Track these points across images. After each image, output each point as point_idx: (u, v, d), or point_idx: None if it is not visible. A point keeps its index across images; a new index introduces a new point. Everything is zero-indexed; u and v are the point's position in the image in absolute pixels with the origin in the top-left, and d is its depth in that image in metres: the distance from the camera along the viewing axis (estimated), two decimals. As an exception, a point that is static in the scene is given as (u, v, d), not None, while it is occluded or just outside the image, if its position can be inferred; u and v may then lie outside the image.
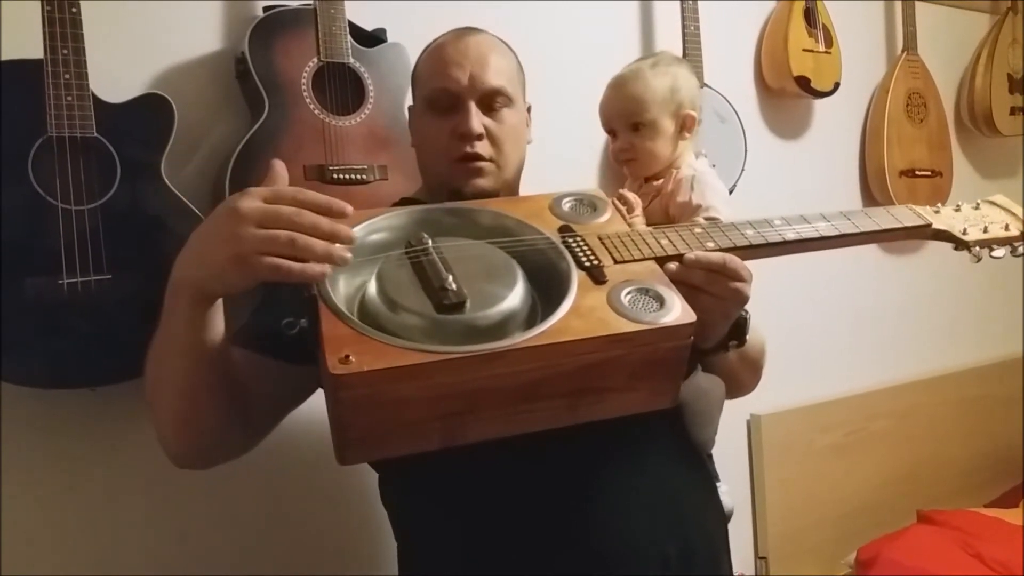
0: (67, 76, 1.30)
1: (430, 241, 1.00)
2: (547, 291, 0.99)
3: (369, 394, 0.85)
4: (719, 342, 1.16)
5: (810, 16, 2.37)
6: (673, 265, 1.03)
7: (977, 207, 1.23)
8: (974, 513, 2.45)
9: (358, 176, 1.54)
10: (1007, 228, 1.19)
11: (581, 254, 1.03)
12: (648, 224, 1.21)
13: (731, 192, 2.12)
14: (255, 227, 0.84)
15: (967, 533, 2.25)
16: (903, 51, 2.67)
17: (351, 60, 1.57)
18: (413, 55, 1.36)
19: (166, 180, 1.42)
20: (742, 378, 1.34)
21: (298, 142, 1.51)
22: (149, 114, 1.42)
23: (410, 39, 1.59)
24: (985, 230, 1.19)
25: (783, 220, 1.13)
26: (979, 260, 1.18)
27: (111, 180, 1.37)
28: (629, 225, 1.11)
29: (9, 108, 1.29)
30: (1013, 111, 2.90)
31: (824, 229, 1.14)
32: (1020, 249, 1.19)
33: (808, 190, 2.46)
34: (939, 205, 1.22)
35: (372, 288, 0.95)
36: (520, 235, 1.06)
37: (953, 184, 2.75)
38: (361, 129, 1.57)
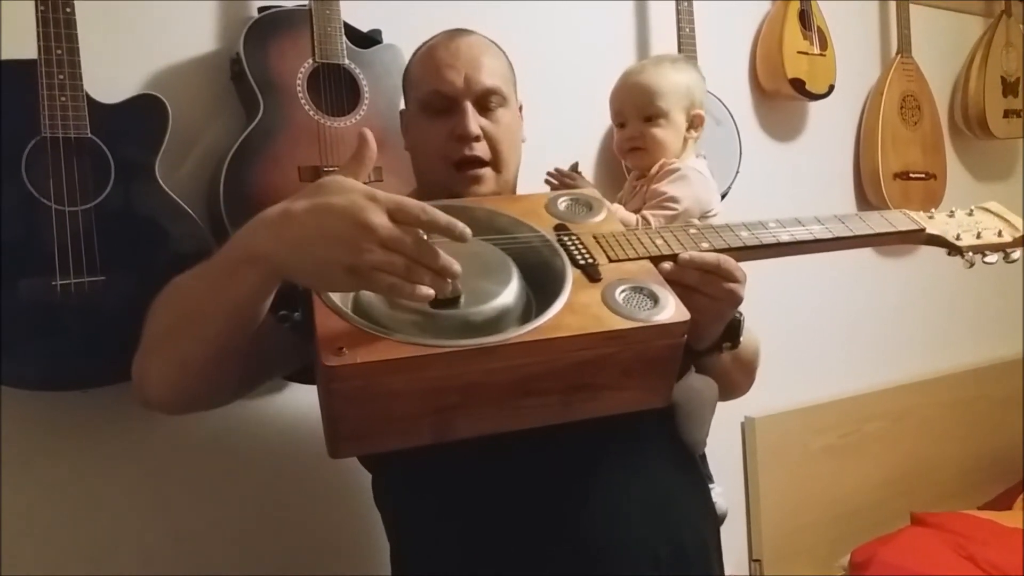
0: (61, 76, 1.30)
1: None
2: (542, 289, 1.00)
3: (362, 386, 0.86)
4: (713, 343, 1.17)
5: (805, 18, 2.38)
6: (668, 265, 1.04)
7: (971, 213, 1.24)
8: (968, 515, 2.46)
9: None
10: (1000, 234, 1.20)
11: (576, 252, 1.03)
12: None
13: (726, 194, 2.12)
14: (378, 246, 0.82)
15: (961, 535, 2.26)
16: (897, 53, 2.67)
17: (346, 61, 1.57)
18: (409, 57, 1.36)
19: (160, 181, 1.42)
20: (736, 379, 1.34)
21: (293, 143, 1.51)
22: (143, 115, 1.42)
23: (405, 41, 1.59)
24: (978, 236, 1.19)
25: (777, 222, 1.14)
26: (972, 266, 1.19)
27: (105, 181, 1.36)
28: (624, 225, 1.12)
29: (3, 108, 1.29)
30: (1007, 114, 2.91)
31: (818, 232, 1.14)
32: (1013, 255, 1.19)
33: (803, 192, 2.47)
34: (933, 210, 1.23)
35: None
36: (515, 233, 1.07)
37: (947, 187, 2.76)
38: (356, 130, 1.55)
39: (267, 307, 0.95)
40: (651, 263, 1.04)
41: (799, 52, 2.36)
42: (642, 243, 1.06)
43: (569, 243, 1.05)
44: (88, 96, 1.34)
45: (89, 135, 1.34)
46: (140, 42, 1.52)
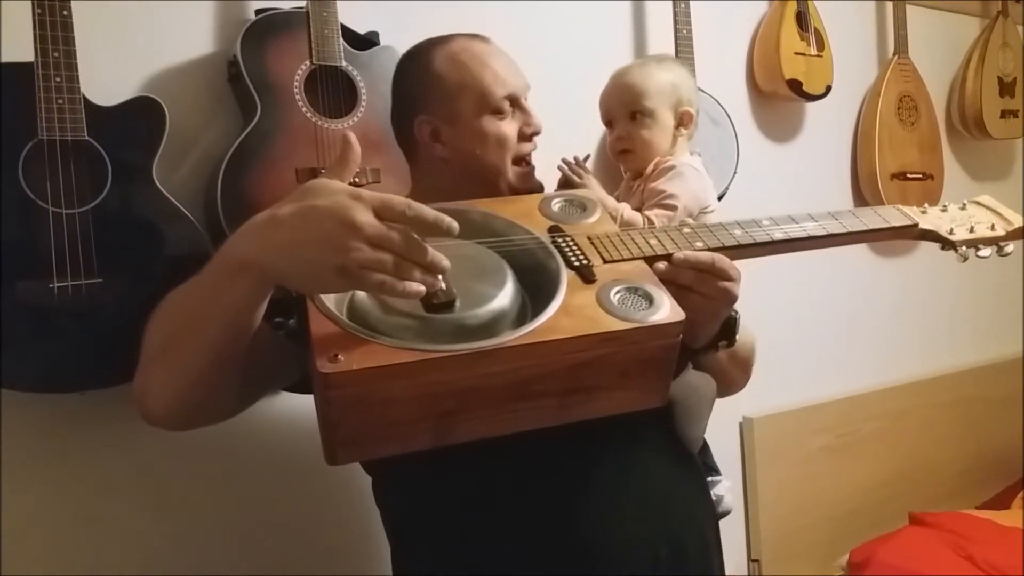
0: (58, 79, 1.30)
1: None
2: (537, 291, 1.00)
3: (358, 393, 0.86)
4: (709, 342, 1.17)
5: (802, 19, 2.38)
6: (662, 264, 1.04)
7: (964, 208, 1.24)
8: (966, 515, 2.46)
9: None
10: (993, 228, 1.20)
11: (570, 254, 1.03)
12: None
13: (724, 195, 2.12)
14: (366, 244, 0.82)
15: (959, 535, 2.26)
16: (894, 54, 2.68)
17: (344, 63, 1.57)
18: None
19: (157, 183, 1.42)
20: (732, 376, 1.34)
21: (290, 145, 1.51)
22: (140, 117, 1.42)
23: (403, 42, 1.58)
24: (971, 230, 1.20)
25: (771, 220, 1.14)
26: (965, 260, 1.20)
27: (102, 183, 1.36)
28: (617, 224, 1.12)
29: (0, 111, 1.29)
30: (1004, 114, 2.91)
31: (812, 229, 1.15)
32: (1007, 248, 1.20)
33: (800, 193, 2.47)
34: (926, 206, 1.24)
35: None
36: (509, 235, 1.07)
37: (944, 187, 2.76)
38: (354, 132, 1.56)
39: (262, 314, 0.95)
40: (645, 263, 1.04)
41: (796, 53, 2.36)
42: (636, 243, 1.07)
43: (563, 244, 1.05)
44: (85, 99, 1.34)
45: (86, 138, 1.34)
46: (137, 45, 1.52)
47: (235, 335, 0.95)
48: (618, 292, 0.98)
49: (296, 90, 1.53)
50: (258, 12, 1.57)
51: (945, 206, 1.24)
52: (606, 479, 1.13)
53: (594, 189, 1.39)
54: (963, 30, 2.98)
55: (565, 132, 1.86)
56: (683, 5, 2.09)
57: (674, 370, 1.02)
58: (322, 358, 0.84)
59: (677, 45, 2.08)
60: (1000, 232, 1.20)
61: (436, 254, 0.86)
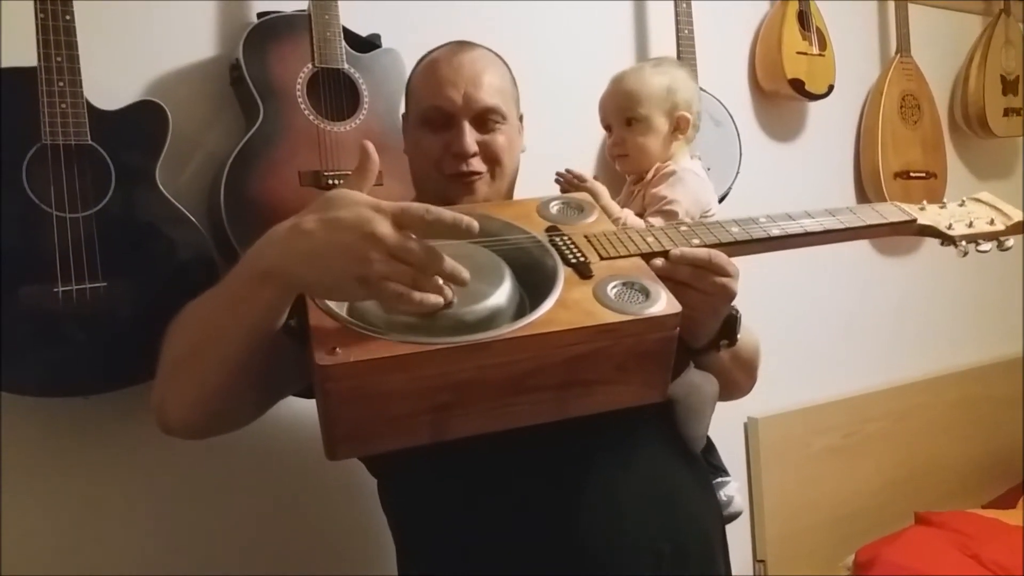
0: (61, 83, 1.31)
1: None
2: (535, 289, 1.00)
3: (356, 386, 0.86)
4: (710, 341, 1.17)
5: (804, 19, 2.38)
6: (659, 261, 1.05)
7: (963, 204, 1.25)
8: (972, 514, 2.46)
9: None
10: (992, 223, 1.20)
11: (568, 251, 1.04)
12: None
13: (727, 195, 2.12)
14: (386, 255, 0.83)
15: (965, 534, 2.26)
16: (896, 53, 2.68)
17: (345, 66, 1.58)
18: (407, 61, 1.37)
19: (161, 187, 1.43)
20: (736, 378, 1.33)
21: (293, 148, 1.52)
22: (143, 121, 1.43)
23: (404, 45, 1.60)
24: (970, 225, 1.20)
25: (768, 217, 1.14)
26: (965, 254, 1.20)
27: (105, 187, 1.37)
28: (615, 224, 1.13)
29: (3, 116, 1.30)
30: (1007, 112, 2.91)
31: (809, 225, 1.15)
32: (1007, 243, 1.20)
33: (803, 192, 2.46)
34: (924, 202, 1.24)
35: None
36: (506, 235, 1.07)
37: (947, 185, 2.76)
38: (356, 135, 1.57)
39: (281, 322, 0.97)
40: (643, 260, 1.04)
41: (798, 52, 2.36)
42: (633, 241, 1.07)
43: (560, 243, 1.06)
44: (88, 103, 1.35)
45: (89, 142, 1.35)
46: (140, 48, 1.53)
47: (257, 343, 0.96)
48: (615, 286, 0.98)
49: (298, 93, 1.54)
50: (260, 15, 1.57)
51: (944, 203, 1.25)
52: (607, 479, 1.13)
53: (601, 195, 1.38)
54: (965, 28, 2.98)
55: (567, 132, 1.88)
56: (685, 5, 2.10)
57: (672, 364, 1.02)
58: (320, 351, 0.85)
59: (679, 45, 2.08)
60: (999, 227, 1.20)
61: (455, 264, 0.88)
